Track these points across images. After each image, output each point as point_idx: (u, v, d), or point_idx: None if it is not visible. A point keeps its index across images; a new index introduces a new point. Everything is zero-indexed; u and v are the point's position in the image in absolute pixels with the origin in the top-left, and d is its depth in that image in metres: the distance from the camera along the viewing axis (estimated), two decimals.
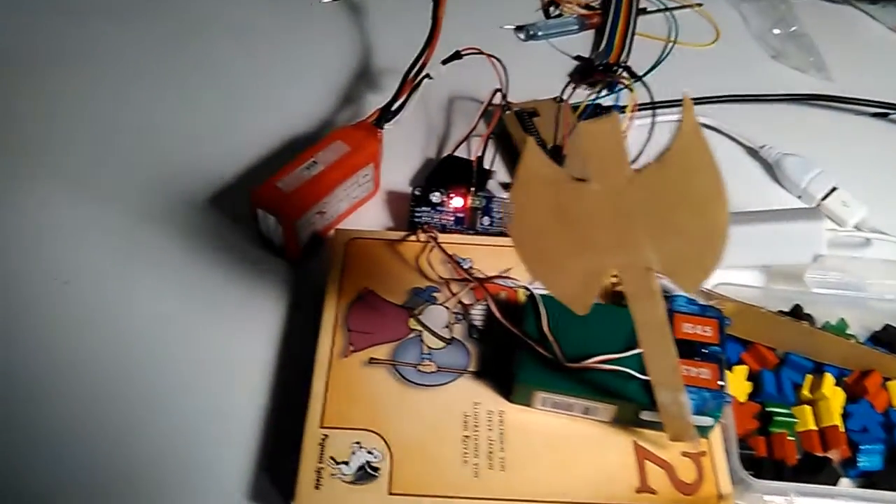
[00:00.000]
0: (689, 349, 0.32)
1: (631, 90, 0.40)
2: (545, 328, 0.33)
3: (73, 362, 0.37)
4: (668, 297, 0.34)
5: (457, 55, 0.44)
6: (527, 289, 0.36)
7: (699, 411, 0.31)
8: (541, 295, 0.34)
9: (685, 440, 0.32)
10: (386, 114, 0.43)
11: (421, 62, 0.44)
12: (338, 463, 0.31)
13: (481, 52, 0.43)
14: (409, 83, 0.44)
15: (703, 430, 0.32)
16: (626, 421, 0.33)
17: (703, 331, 0.33)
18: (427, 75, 0.44)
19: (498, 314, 0.35)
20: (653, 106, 0.49)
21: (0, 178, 0.44)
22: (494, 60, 0.43)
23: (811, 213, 0.40)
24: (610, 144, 0.22)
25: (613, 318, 0.33)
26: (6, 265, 0.40)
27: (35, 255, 0.41)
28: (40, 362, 0.37)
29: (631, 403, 0.32)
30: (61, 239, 0.41)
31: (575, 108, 0.48)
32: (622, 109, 0.49)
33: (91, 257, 0.41)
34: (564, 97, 0.48)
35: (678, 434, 0.31)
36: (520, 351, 0.33)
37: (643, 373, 0.31)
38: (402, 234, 0.39)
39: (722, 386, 0.31)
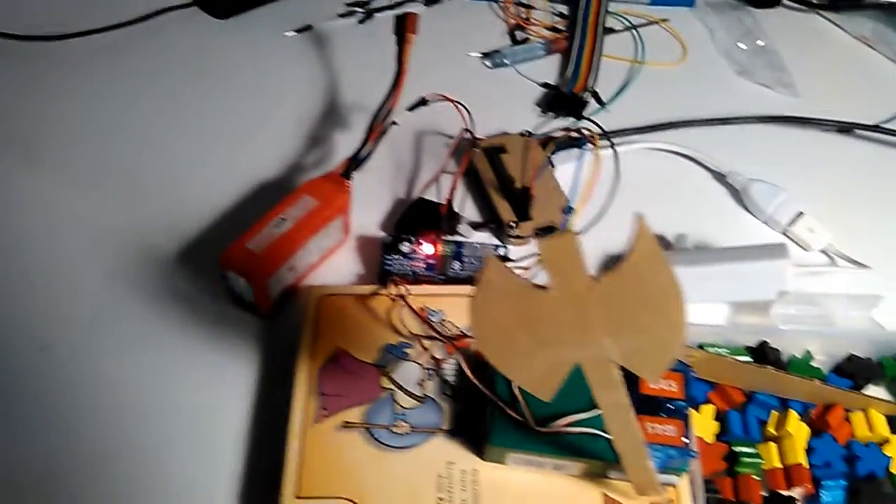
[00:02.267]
0: (654, 405, 0.33)
1: (595, 145, 0.40)
2: (515, 390, 0.34)
3: (47, 428, 0.37)
4: None
5: (423, 102, 0.44)
6: None
7: (664, 468, 0.32)
8: None
9: (652, 494, 0.33)
10: (354, 164, 0.43)
11: (387, 108, 0.44)
12: None
13: (447, 99, 0.43)
14: (376, 130, 0.44)
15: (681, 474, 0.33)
16: (596, 475, 0.34)
17: (668, 386, 0.34)
18: (393, 122, 0.44)
19: (470, 374, 0.35)
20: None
21: None
22: (460, 106, 0.43)
23: (776, 250, 0.41)
24: (568, 258, 0.23)
25: (581, 376, 0.33)
26: None
27: (12, 321, 0.41)
28: (21, 427, 0.37)
29: (599, 461, 0.32)
30: (36, 302, 0.42)
31: (544, 143, 0.49)
32: (591, 141, 0.49)
33: (65, 320, 0.41)
34: (532, 133, 0.48)
35: (645, 490, 0.32)
36: (492, 412, 0.34)
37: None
38: (373, 288, 0.40)
39: (687, 443, 0.32)
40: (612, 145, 0.42)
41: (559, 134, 0.46)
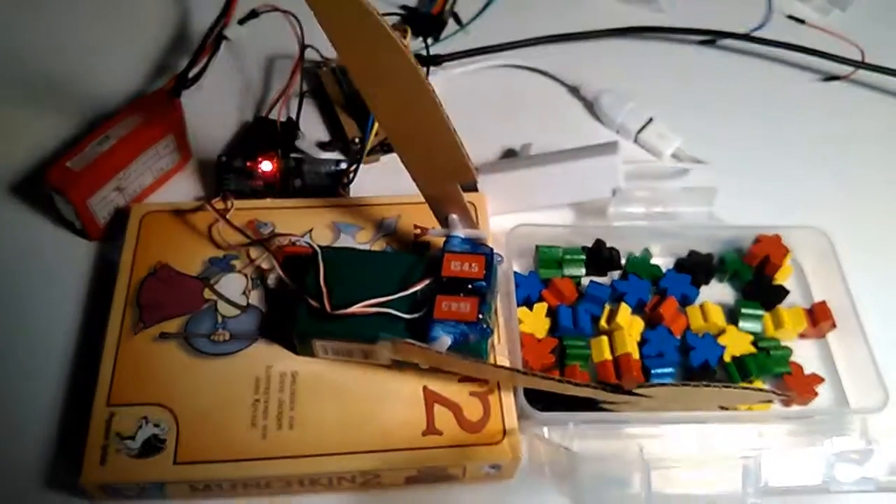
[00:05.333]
0: (455, 286, 0.33)
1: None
2: (321, 280, 0.33)
3: None
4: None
5: (253, 14, 0.43)
6: (311, 246, 0.36)
7: (459, 345, 0.32)
8: (320, 248, 0.35)
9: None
10: (183, 81, 0.42)
11: (221, 24, 0.43)
12: (123, 438, 0.31)
13: (277, 9, 0.42)
14: (208, 48, 0.43)
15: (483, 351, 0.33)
16: (406, 363, 0.33)
17: (469, 267, 0.33)
18: (224, 37, 0.43)
19: (280, 272, 0.35)
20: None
21: None
22: (291, 17, 0.42)
23: (607, 147, 0.41)
24: None
25: (389, 264, 0.35)
26: None
27: None
28: None
29: None
30: None
31: None
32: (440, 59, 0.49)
33: None
34: None
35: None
36: (299, 305, 0.33)
37: (408, 312, 0.33)
38: (196, 203, 0.39)
39: (480, 318, 0.32)
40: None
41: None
